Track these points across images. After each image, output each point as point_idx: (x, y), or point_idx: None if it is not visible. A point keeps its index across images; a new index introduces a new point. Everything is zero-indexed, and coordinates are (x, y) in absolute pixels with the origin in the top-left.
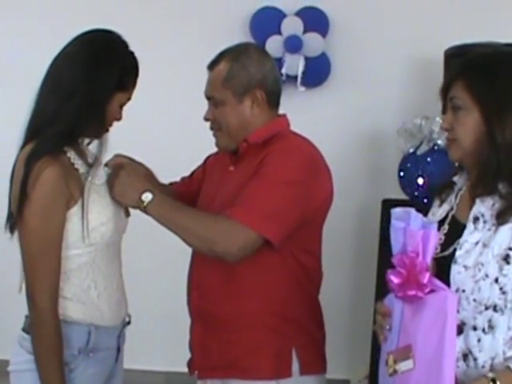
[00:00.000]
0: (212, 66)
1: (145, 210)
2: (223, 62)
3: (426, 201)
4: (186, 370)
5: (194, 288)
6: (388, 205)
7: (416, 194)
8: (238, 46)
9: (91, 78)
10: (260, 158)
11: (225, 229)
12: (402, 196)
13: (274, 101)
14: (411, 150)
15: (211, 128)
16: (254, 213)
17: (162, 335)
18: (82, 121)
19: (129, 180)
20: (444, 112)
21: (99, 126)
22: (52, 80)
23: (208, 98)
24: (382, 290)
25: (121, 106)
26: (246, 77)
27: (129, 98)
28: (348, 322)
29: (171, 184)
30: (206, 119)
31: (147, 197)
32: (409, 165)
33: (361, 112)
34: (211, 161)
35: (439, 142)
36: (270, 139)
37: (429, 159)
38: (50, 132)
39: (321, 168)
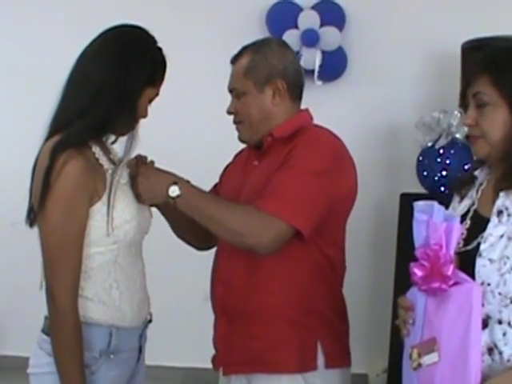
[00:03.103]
0: (234, 59)
1: (175, 204)
2: (245, 55)
3: (444, 195)
4: (203, 365)
5: (218, 282)
6: (406, 199)
7: (434, 187)
8: (261, 39)
9: (123, 73)
10: (286, 151)
11: (256, 221)
12: (421, 190)
13: (295, 93)
14: (429, 144)
15: (234, 122)
16: (285, 204)
17: (179, 331)
18: (114, 116)
19: (149, 181)
20: (461, 106)
21: (130, 121)
22: (81, 76)
23: (230, 90)
24: (401, 283)
25: (149, 102)
26: (267, 67)
27: (157, 94)
28: (366, 316)
29: None
30: (229, 112)
31: (174, 191)
32: (427, 158)
33: (378, 106)
34: (229, 170)
35: (458, 135)
36: (294, 133)
37: (447, 153)
38: (79, 125)
39: (346, 159)
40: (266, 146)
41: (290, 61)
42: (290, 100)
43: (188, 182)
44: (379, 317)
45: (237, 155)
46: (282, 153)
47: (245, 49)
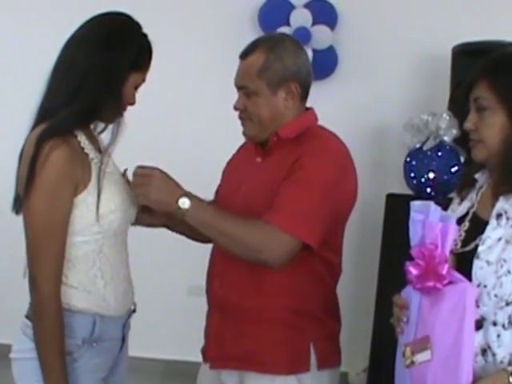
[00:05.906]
0: (245, 55)
1: (182, 216)
2: (258, 52)
3: (430, 197)
4: (184, 358)
5: (215, 276)
6: (392, 199)
7: (421, 189)
8: (273, 36)
9: (108, 58)
10: (292, 153)
11: (268, 237)
12: (407, 191)
13: (305, 93)
14: (417, 146)
15: (240, 117)
16: (295, 219)
17: (161, 324)
18: (100, 102)
19: (163, 186)
20: (450, 108)
21: (115, 107)
22: (66, 63)
23: (239, 87)
24: (384, 284)
25: (136, 88)
26: (281, 69)
27: (143, 80)
28: (348, 315)
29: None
30: (236, 108)
31: (184, 202)
32: (414, 160)
33: (367, 106)
34: (231, 163)
35: (446, 138)
36: (301, 134)
37: (435, 155)
38: (65, 113)
39: (349, 167)
40: (271, 146)
41: (304, 62)
42: (301, 101)
43: (195, 196)
44: (361, 316)
45: (241, 146)
46: (287, 154)
47: (256, 44)
